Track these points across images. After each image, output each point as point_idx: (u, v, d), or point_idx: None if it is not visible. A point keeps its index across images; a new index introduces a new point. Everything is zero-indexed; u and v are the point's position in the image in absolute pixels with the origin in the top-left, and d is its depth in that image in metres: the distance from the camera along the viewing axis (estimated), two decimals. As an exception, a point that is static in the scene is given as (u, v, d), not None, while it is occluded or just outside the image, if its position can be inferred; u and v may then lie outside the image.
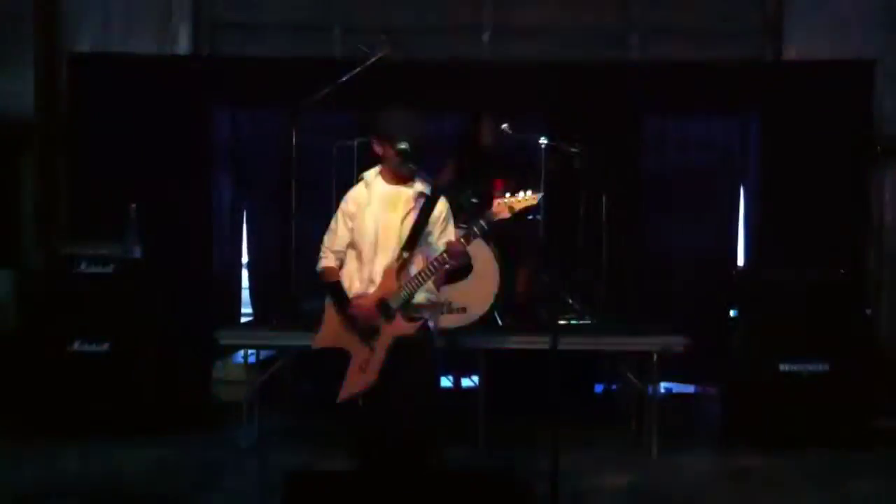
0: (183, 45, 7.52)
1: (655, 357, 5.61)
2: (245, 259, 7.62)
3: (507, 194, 4.27)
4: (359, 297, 4.25)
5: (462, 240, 4.22)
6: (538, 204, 4.43)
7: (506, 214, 4.22)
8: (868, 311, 6.14)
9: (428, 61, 7.14)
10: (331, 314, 4.32)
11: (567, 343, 5.21)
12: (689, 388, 7.44)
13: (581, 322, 6.07)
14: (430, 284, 4.28)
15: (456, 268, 4.34)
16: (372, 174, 4.39)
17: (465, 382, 6.86)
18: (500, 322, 5.90)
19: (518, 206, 4.23)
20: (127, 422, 5.80)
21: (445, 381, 6.78)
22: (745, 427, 5.80)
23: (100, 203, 6.74)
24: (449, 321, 5.38)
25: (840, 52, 7.07)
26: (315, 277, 4.50)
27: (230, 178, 7.44)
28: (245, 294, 7.63)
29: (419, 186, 4.33)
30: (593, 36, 7.58)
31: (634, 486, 5.13)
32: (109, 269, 5.97)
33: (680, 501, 4.96)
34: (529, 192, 4.24)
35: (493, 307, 5.74)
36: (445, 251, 4.20)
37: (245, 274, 7.66)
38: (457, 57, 7.36)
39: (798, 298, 5.88)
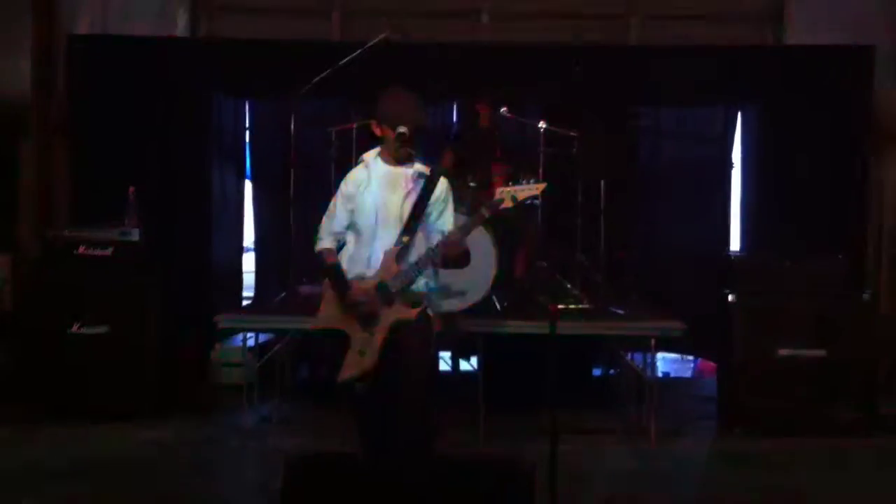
0: (181, 29, 7.49)
1: (653, 342, 5.63)
2: (248, 243, 7.62)
3: (511, 183, 4.26)
4: (358, 280, 4.24)
5: (461, 228, 4.22)
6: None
7: (508, 204, 4.22)
8: (866, 296, 6.13)
9: (427, 45, 7.10)
10: (329, 297, 4.29)
11: (565, 328, 5.23)
12: (688, 373, 7.47)
13: (579, 307, 6.08)
14: (429, 269, 4.27)
15: (454, 255, 4.31)
16: (372, 155, 4.36)
17: (464, 367, 6.87)
18: (498, 307, 5.91)
19: (521, 196, 4.23)
20: (126, 405, 5.81)
21: (444, 366, 6.79)
22: (743, 412, 5.81)
23: (99, 186, 6.74)
24: (447, 306, 5.39)
25: (840, 38, 7.05)
26: (314, 260, 4.50)
27: (229, 162, 7.43)
28: (247, 278, 7.64)
29: (419, 167, 4.32)
30: (593, 20, 7.56)
31: (633, 470, 5.15)
32: (108, 251, 5.95)
33: (679, 485, 4.98)
34: (532, 182, 4.23)
35: (491, 292, 5.75)
36: (444, 239, 4.19)
37: (247, 258, 7.67)
38: (456, 41, 7.33)
39: (797, 283, 5.88)
